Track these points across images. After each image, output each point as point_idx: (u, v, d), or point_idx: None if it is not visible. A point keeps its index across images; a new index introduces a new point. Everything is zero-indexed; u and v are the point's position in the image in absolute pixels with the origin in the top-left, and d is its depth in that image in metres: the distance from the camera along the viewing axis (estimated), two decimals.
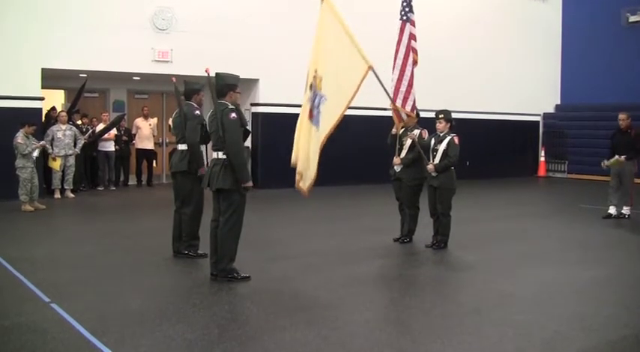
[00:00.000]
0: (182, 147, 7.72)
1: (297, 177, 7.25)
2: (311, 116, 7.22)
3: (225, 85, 6.75)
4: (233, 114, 6.56)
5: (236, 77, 6.91)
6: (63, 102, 16.21)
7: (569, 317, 5.70)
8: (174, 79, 8.23)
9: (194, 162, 7.63)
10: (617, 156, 11.02)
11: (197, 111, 7.73)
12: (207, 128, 6.99)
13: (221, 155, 6.63)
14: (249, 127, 7.06)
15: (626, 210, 11.22)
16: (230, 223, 6.64)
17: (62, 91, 16.40)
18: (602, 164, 11.30)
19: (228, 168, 6.55)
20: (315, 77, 7.33)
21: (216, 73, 6.81)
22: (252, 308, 5.87)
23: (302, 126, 7.33)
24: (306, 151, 7.19)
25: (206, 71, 6.88)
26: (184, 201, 7.76)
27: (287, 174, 15.31)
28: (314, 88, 7.27)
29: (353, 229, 10.22)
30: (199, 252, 7.77)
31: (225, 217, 6.66)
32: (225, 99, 6.74)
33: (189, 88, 7.87)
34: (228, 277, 6.66)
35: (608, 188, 11.52)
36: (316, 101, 7.18)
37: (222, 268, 6.68)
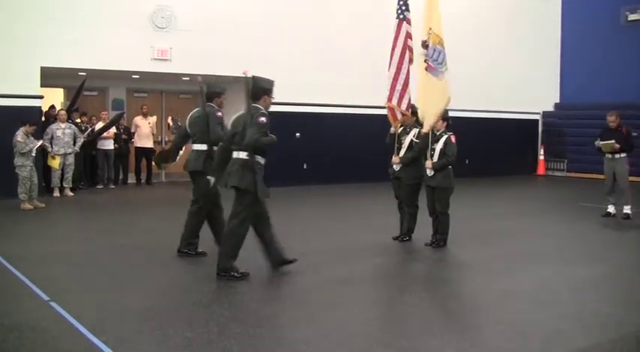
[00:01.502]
0: (198, 147, 7.75)
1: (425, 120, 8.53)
2: (428, 68, 8.52)
3: (261, 89, 6.82)
4: (263, 119, 6.58)
5: (272, 82, 6.96)
6: (62, 100, 16.20)
7: (569, 315, 5.70)
8: (199, 78, 8.20)
9: (212, 159, 7.58)
10: (613, 141, 11.00)
11: (219, 113, 7.79)
12: (229, 128, 6.98)
13: (242, 155, 6.63)
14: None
15: (627, 210, 11.13)
16: (238, 222, 6.65)
17: (61, 90, 16.39)
18: (596, 143, 11.29)
19: (247, 169, 6.58)
20: (430, 34, 8.53)
21: (253, 77, 6.85)
22: (252, 306, 5.87)
23: (421, 77, 8.65)
24: (429, 98, 8.44)
25: (244, 73, 6.93)
26: (195, 199, 7.80)
27: (285, 172, 15.42)
28: (429, 43, 8.53)
29: (352, 227, 10.22)
30: (198, 250, 7.78)
31: (234, 215, 6.68)
32: (260, 102, 6.79)
33: (212, 90, 7.91)
34: (227, 275, 6.66)
35: (604, 187, 11.51)
36: (434, 55, 8.47)
37: (222, 266, 6.68)
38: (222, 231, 7.41)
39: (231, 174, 6.65)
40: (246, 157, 6.59)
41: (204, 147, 7.69)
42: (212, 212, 7.83)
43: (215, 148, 7.56)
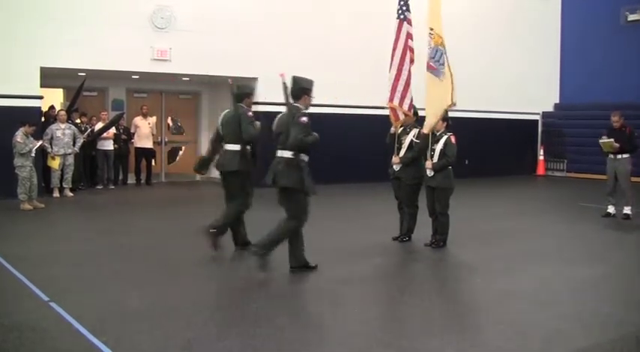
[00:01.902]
0: (231, 147, 7.91)
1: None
2: (430, 68, 8.50)
3: (301, 89, 7.01)
4: (304, 119, 6.77)
5: (311, 81, 7.15)
6: (62, 101, 16.19)
7: (569, 315, 5.69)
8: (230, 81, 8.43)
9: (247, 158, 7.87)
10: (612, 140, 11.00)
11: (250, 113, 8.00)
12: (274, 128, 7.15)
13: (286, 154, 6.82)
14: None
15: (627, 210, 11.11)
16: (292, 219, 6.87)
17: (61, 90, 16.38)
18: (600, 140, 11.29)
19: (292, 167, 6.77)
20: (431, 34, 8.51)
21: (293, 77, 7.06)
22: (252, 306, 5.86)
23: (426, 77, 8.63)
24: (430, 98, 8.50)
25: (281, 76, 7.09)
26: (232, 198, 8.00)
27: None
28: (430, 44, 8.51)
29: (352, 228, 10.22)
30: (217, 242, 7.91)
31: (288, 214, 6.90)
32: (300, 102, 6.99)
33: (242, 91, 8.13)
34: (260, 253, 6.76)
35: (605, 187, 11.50)
36: (436, 56, 8.43)
37: (262, 244, 6.80)
38: (239, 230, 7.96)
39: (278, 173, 6.85)
40: (292, 156, 6.76)
41: (237, 147, 7.87)
42: (234, 208, 7.99)
43: (248, 147, 7.86)
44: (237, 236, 8.06)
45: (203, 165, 8.48)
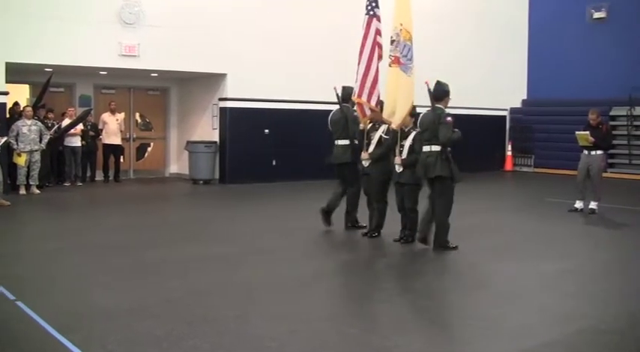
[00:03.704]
0: (342, 142, 9.22)
1: (389, 110, 8.66)
2: (398, 63, 8.58)
3: (443, 91, 8.06)
4: (449, 118, 7.85)
5: (448, 85, 8.14)
6: (28, 97, 15.97)
7: (535, 309, 5.78)
8: (335, 86, 9.35)
9: (356, 151, 9.06)
10: (587, 132, 11.17)
11: (356, 113, 9.19)
12: (418, 127, 8.19)
13: (434, 148, 7.90)
14: None
15: (593, 205, 11.31)
16: (446, 204, 8.01)
17: (27, 86, 16.14)
18: (576, 132, 11.45)
19: (442, 160, 7.84)
20: (401, 30, 8.59)
21: (437, 81, 8.12)
22: (221, 304, 5.85)
23: (390, 72, 8.71)
24: (394, 95, 8.55)
25: (425, 83, 7.97)
26: (349, 185, 9.28)
27: (254, 168, 15.37)
28: (399, 39, 8.58)
29: (320, 223, 10.21)
30: (361, 224, 9.39)
31: (441, 199, 7.98)
32: (442, 103, 8.04)
33: (347, 93, 9.31)
34: (445, 247, 7.97)
35: (575, 182, 11.65)
36: (404, 51, 8.56)
37: (440, 242, 7.97)
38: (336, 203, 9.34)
39: (429, 165, 7.90)
40: (441, 150, 7.85)
41: (347, 142, 9.13)
42: (344, 189, 9.35)
43: (356, 141, 9.05)
44: (348, 217, 9.42)
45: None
